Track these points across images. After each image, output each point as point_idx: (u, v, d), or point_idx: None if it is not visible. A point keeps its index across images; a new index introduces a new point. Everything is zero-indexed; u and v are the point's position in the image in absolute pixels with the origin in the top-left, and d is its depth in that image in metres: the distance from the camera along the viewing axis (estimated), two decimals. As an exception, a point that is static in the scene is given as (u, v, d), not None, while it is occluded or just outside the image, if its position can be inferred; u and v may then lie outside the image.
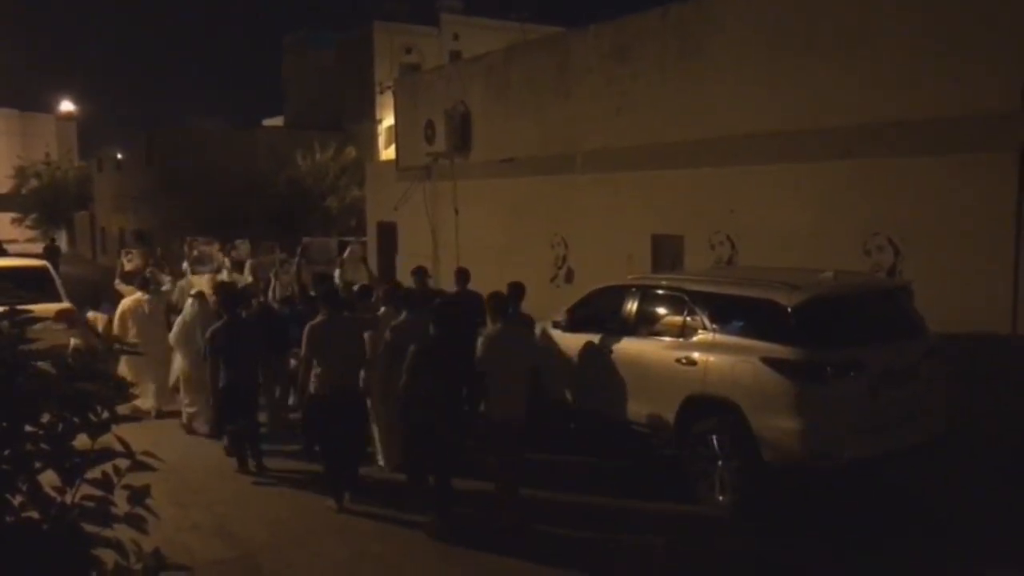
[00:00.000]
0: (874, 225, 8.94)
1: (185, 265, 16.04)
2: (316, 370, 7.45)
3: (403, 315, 7.96)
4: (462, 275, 10.36)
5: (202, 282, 13.43)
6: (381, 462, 8.27)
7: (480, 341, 6.95)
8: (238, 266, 15.98)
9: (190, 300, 10.34)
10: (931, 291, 7.75)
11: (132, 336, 10.29)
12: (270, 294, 13.45)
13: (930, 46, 8.50)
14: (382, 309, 8.63)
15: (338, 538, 6.74)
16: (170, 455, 7.90)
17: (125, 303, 11.02)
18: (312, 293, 10.09)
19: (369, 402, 7.99)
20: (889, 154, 8.85)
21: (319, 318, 7.67)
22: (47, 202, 46.03)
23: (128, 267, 15.41)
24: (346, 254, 15.93)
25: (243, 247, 17.58)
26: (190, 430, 9.92)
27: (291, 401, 10.29)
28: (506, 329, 7.04)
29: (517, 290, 8.38)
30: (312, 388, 7.49)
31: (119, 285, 14.61)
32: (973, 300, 8.04)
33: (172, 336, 10.13)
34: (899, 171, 8.79)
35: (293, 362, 9.51)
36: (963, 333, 7.85)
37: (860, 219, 9.07)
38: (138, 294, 10.97)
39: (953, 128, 8.29)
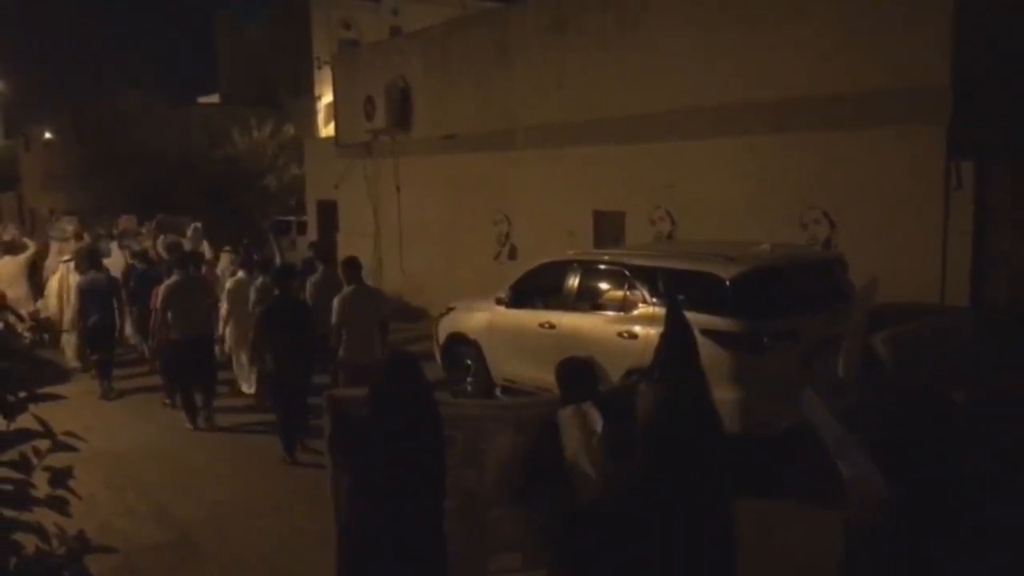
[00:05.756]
0: (809, 198, 9.09)
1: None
2: (173, 320, 8.96)
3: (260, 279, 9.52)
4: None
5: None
6: (245, 388, 9.99)
7: (336, 300, 7.95)
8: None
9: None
10: (864, 262, 7.94)
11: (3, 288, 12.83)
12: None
13: (861, 20, 8.64)
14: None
15: (276, 517, 6.66)
16: (103, 439, 7.73)
17: None
18: (164, 256, 12.20)
19: (228, 345, 10.00)
20: (822, 127, 9.00)
21: (173, 278, 9.20)
22: (-29, 183, 44.39)
23: (6, 238, 17.95)
24: (190, 232, 16.28)
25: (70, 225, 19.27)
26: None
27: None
28: (358, 289, 8.10)
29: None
30: (172, 335, 8.99)
31: None
32: (903, 270, 8.25)
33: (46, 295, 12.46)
34: (832, 144, 8.95)
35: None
36: (894, 303, 8.05)
37: (795, 192, 9.22)
38: (6, 258, 13.69)
39: (884, 101, 8.46)
